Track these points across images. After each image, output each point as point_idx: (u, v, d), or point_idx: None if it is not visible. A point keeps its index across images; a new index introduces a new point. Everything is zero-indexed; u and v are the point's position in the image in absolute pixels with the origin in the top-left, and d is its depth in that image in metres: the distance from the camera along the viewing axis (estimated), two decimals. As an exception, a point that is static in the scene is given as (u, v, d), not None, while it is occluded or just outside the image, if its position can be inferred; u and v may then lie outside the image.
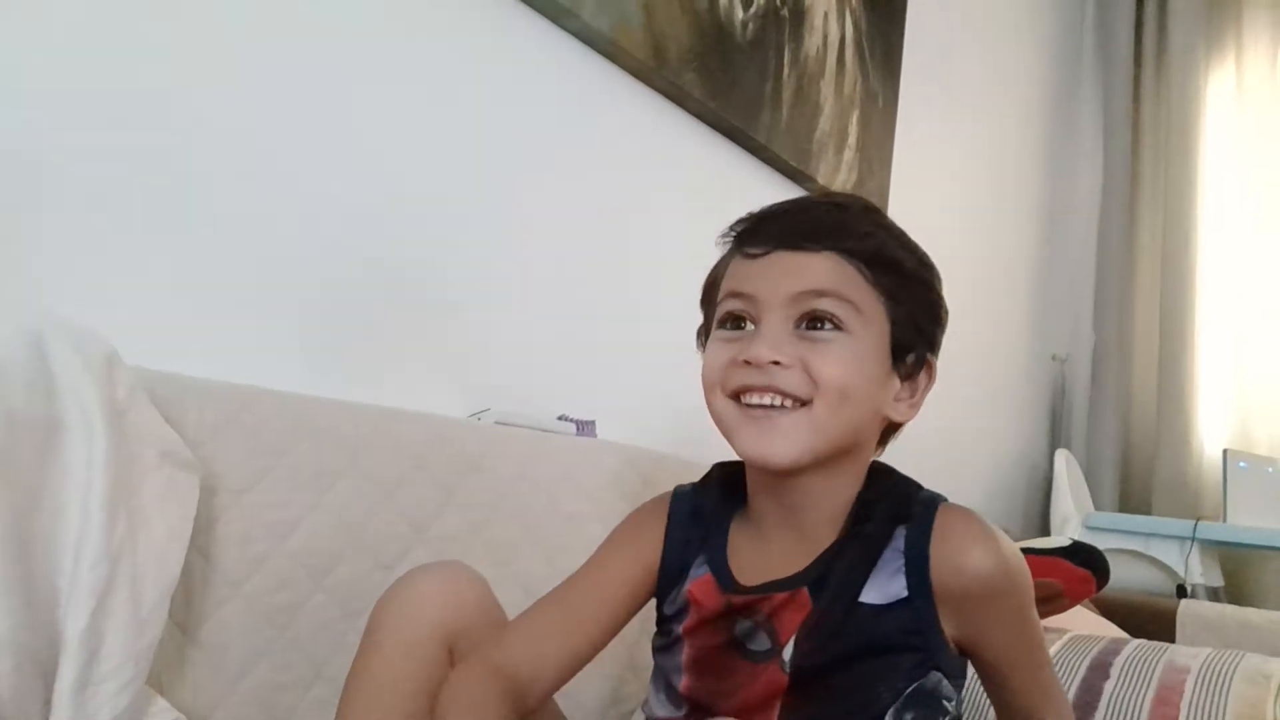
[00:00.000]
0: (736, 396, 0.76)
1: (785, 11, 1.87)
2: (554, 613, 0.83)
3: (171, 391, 0.86)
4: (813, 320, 0.75)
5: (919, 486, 0.81)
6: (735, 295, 0.78)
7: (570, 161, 1.48)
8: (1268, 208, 3.10)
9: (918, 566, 0.75)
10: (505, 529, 1.15)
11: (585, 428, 1.39)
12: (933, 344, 0.81)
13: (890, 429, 0.83)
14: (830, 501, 0.79)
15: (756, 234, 0.79)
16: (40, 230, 0.91)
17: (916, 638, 0.75)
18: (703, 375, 0.79)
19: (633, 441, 1.40)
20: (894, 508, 0.78)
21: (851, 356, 0.74)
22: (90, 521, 0.71)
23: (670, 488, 0.89)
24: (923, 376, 0.81)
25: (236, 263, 1.06)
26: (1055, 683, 0.83)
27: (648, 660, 0.88)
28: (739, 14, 1.74)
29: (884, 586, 0.75)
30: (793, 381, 0.74)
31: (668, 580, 0.85)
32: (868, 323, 0.76)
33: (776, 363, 0.74)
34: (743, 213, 0.83)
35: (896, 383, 0.79)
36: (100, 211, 0.95)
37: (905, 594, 0.75)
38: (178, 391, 0.88)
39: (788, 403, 0.74)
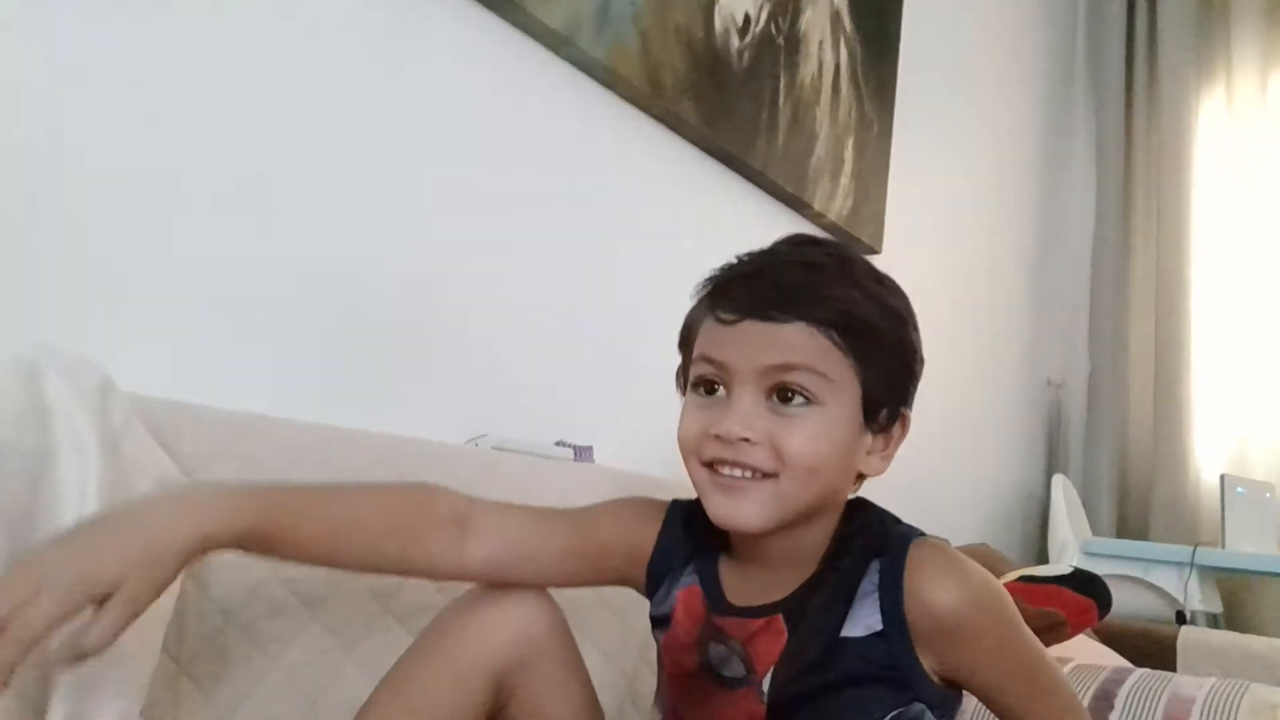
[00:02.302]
0: (709, 464, 0.78)
1: (781, 39, 1.88)
2: (533, 515, 0.87)
3: (166, 419, 0.86)
4: (784, 392, 0.76)
5: (895, 520, 0.83)
6: (708, 360, 0.78)
7: (568, 188, 1.48)
8: (1261, 229, 3.10)
9: (891, 601, 0.76)
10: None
11: (583, 453, 1.38)
12: (906, 397, 0.82)
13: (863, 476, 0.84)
14: (805, 546, 0.81)
15: (728, 297, 0.79)
16: (34, 256, 0.90)
17: (893, 671, 0.76)
18: (679, 438, 0.80)
19: (630, 467, 1.40)
20: (870, 541, 0.79)
21: (821, 430, 0.76)
22: (83, 551, 0.70)
23: None
24: (896, 429, 0.82)
25: (232, 290, 1.06)
26: (1070, 706, 0.82)
27: (648, 690, 0.88)
28: (735, 42, 1.74)
29: (861, 619, 0.77)
30: (759, 457, 0.75)
31: (654, 579, 0.88)
32: (839, 391, 0.76)
33: (746, 439, 0.75)
34: (739, 241, 0.83)
35: (869, 438, 0.80)
36: (95, 238, 0.94)
37: (880, 628, 0.76)
38: (173, 419, 0.87)
39: (755, 475, 0.76)
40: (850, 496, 0.83)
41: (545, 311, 1.44)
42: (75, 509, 0.71)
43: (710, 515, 0.79)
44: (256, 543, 0.72)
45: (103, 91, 0.94)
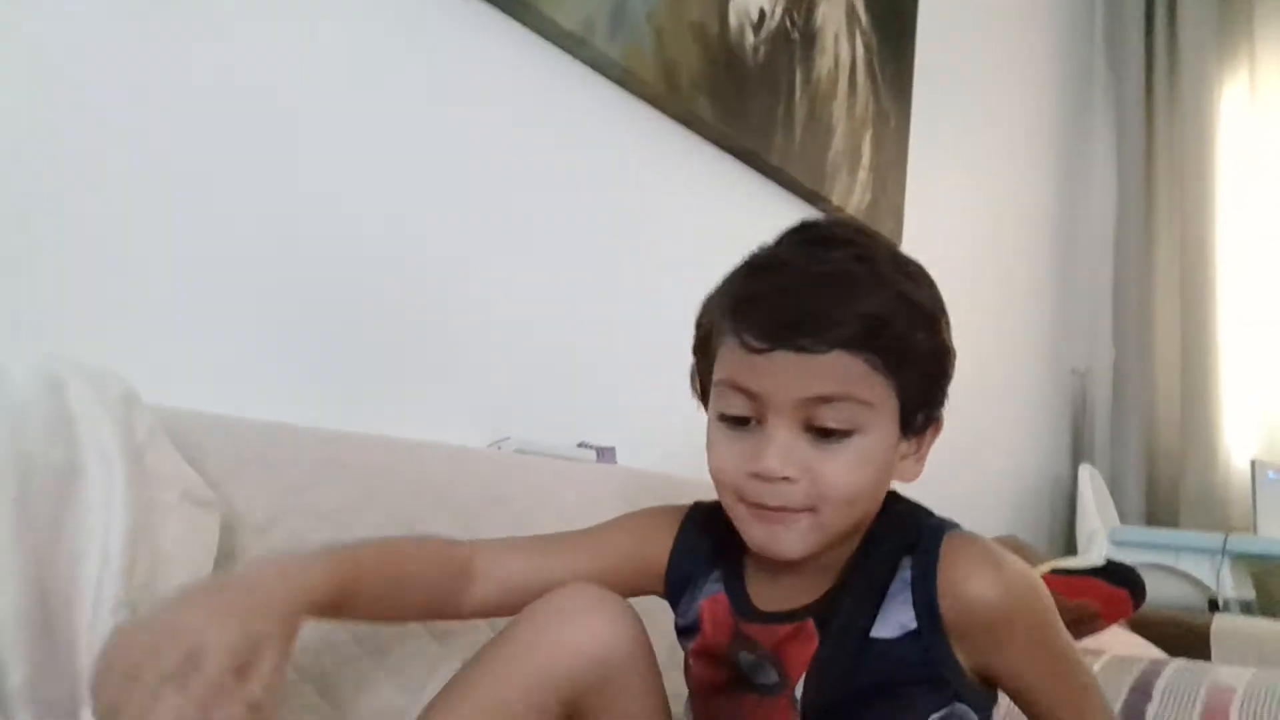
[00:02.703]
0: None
1: (796, 34, 1.87)
2: (537, 546, 0.85)
3: (190, 430, 0.86)
4: (821, 424, 0.72)
5: (927, 513, 0.80)
6: (739, 390, 0.74)
7: (586, 187, 1.47)
8: (1285, 213, 3.08)
9: (925, 597, 0.73)
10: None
11: (606, 454, 1.37)
12: (940, 400, 0.79)
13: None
14: (838, 549, 0.78)
15: (753, 322, 0.73)
16: (56, 269, 0.90)
17: (930, 670, 0.73)
18: (712, 470, 0.77)
19: (654, 468, 1.39)
20: (901, 537, 0.77)
21: (861, 459, 0.73)
22: (110, 564, 0.70)
23: None
24: (929, 431, 0.79)
25: (253, 298, 1.06)
26: (1101, 710, 0.80)
27: (675, 690, 0.87)
28: (750, 38, 1.73)
29: (893, 619, 0.74)
30: (798, 496, 0.72)
31: (674, 589, 0.85)
32: (879, 414, 0.73)
33: (786, 477, 0.72)
34: (759, 238, 0.79)
35: (903, 445, 0.77)
36: (116, 247, 0.94)
37: (914, 626, 0.73)
38: (197, 430, 0.87)
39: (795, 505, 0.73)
40: None
41: (566, 312, 1.43)
42: (102, 522, 0.71)
43: (749, 544, 0.76)
44: (338, 606, 0.70)
45: (117, 95, 0.94)
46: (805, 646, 0.76)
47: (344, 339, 1.15)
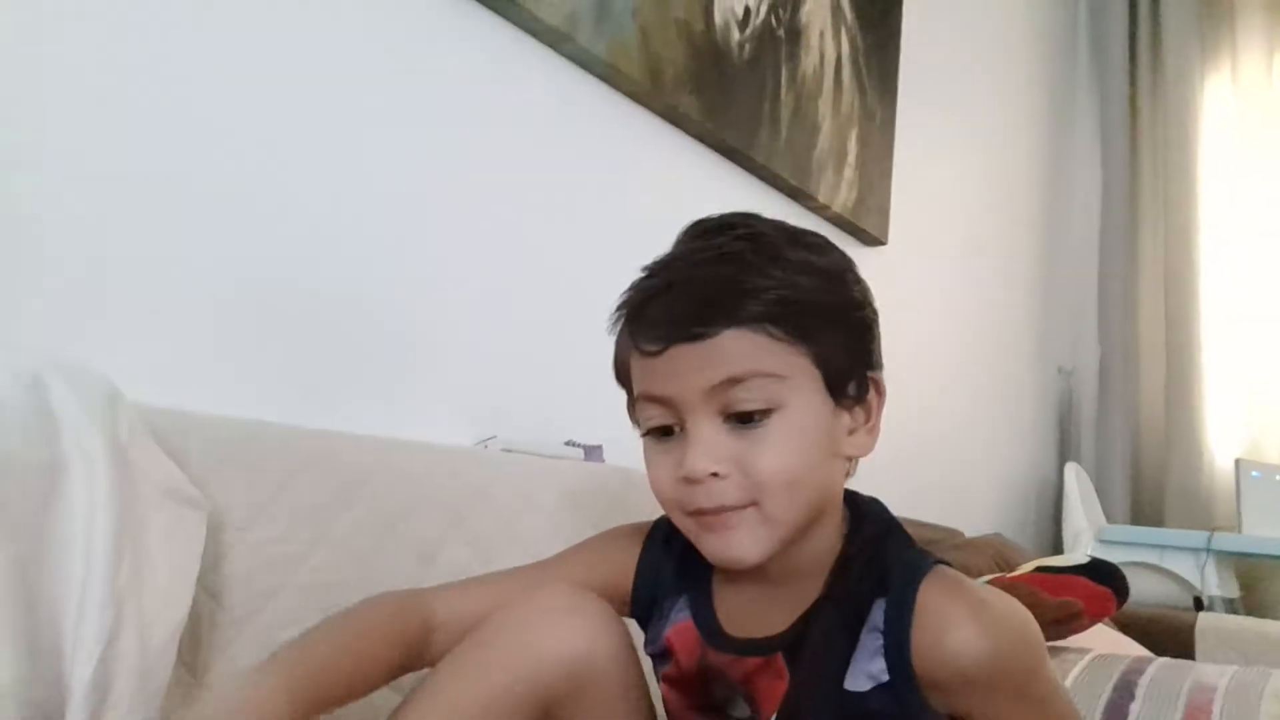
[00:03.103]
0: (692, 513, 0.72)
1: (781, 31, 1.87)
2: (498, 582, 0.81)
3: (174, 428, 0.85)
4: (739, 410, 0.69)
5: (902, 545, 0.75)
6: (650, 400, 0.72)
7: (570, 184, 1.47)
8: (1270, 210, 3.09)
9: (898, 650, 0.68)
10: (513, 558, 1.13)
11: (593, 453, 1.37)
12: (870, 359, 0.74)
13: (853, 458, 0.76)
14: (807, 558, 0.74)
15: (644, 324, 0.72)
16: (36, 268, 0.90)
17: (904, 717, 0.69)
18: (654, 491, 0.74)
19: (641, 466, 1.39)
20: (872, 572, 0.72)
21: (790, 437, 0.69)
22: (94, 564, 0.70)
23: None
24: (872, 396, 0.74)
25: (236, 296, 1.05)
26: None
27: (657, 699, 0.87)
28: (735, 35, 1.74)
29: (864, 668, 0.69)
30: (733, 492, 0.69)
31: (642, 611, 0.82)
32: (796, 386, 0.69)
33: (715, 474, 0.69)
34: None
35: (845, 417, 0.73)
36: (97, 248, 0.94)
37: (886, 679, 0.68)
38: (180, 428, 0.86)
39: (737, 505, 0.70)
40: (846, 486, 0.76)
41: (551, 309, 1.43)
42: (85, 522, 0.70)
43: (708, 558, 0.73)
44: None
45: (99, 103, 0.94)
46: (775, 683, 0.72)
47: (330, 337, 1.14)
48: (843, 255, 0.75)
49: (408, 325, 1.24)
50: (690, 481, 0.70)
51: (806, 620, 0.73)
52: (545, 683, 0.70)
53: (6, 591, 0.66)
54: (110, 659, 0.69)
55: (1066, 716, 0.73)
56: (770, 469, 0.68)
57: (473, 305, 1.32)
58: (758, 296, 0.68)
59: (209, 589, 0.85)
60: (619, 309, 0.76)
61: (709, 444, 0.69)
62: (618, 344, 0.78)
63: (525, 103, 1.39)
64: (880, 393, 0.75)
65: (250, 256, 1.07)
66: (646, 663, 0.81)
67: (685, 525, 0.73)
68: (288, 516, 0.92)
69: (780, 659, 0.72)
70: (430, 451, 1.10)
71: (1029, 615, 0.71)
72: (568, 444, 1.35)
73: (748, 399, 0.68)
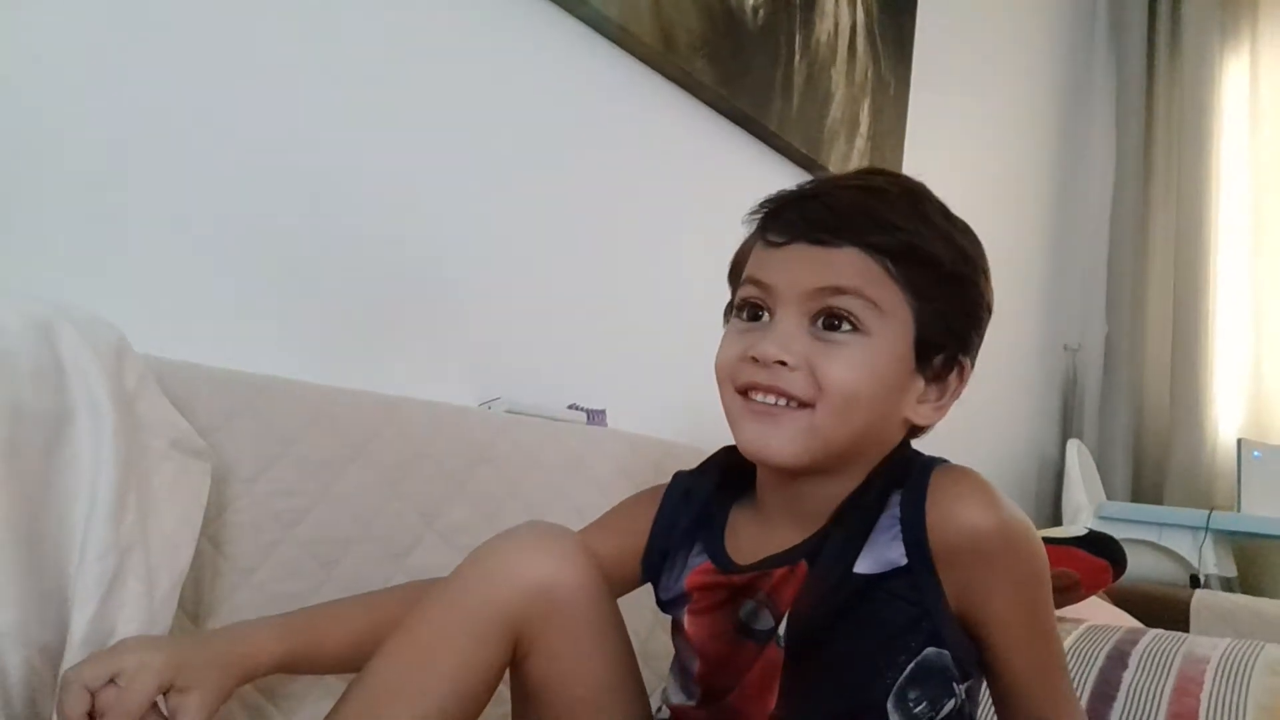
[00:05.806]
0: (744, 391, 0.74)
1: (796, -3, 1.85)
2: None
3: (182, 380, 0.86)
4: (829, 318, 0.72)
5: (921, 455, 0.78)
6: (753, 283, 0.76)
7: (581, 148, 1.47)
8: (1282, 195, 3.07)
9: (914, 530, 0.71)
10: (515, 519, 1.13)
11: (596, 417, 1.38)
12: (966, 345, 0.78)
13: (916, 429, 0.79)
14: (837, 495, 0.76)
15: (778, 220, 0.76)
16: (47, 218, 0.90)
17: (916, 607, 0.71)
18: (716, 364, 0.77)
19: (644, 431, 1.40)
20: (892, 475, 0.75)
21: (864, 360, 0.72)
22: (99, 510, 0.70)
23: None
24: (953, 379, 0.77)
25: (245, 251, 1.06)
26: (1070, 694, 0.78)
27: (662, 650, 0.88)
28: (749, 0, 1.72)
29: (880, 554, 0.72)
30: (797, 384, 0.72)
31: (651, 564, 0.85)
32: (889, 323, 0.72)
33: (783, 362, 0.71)
34: (754, 201, 0.80)
35: (920, 384, 0.76)
36: (108, 199, 0.94)
37: (903, 562, 0.71)
38: (188, 380, 0.87)
39: (791, 403, 0.72)
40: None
41: (559, 273, 1.43)
42: (91, 469, 0.71)
43: (740, 446, 0.76)
44: (293, 665, 0.76)
45: (112, 53, 0.94)
46: (795, 586, 0.74)
47: (338, 295, 1.15)
48: (983, 254, 0.80)
49: (416, 286, 1.24)
50: (757, 363, 0.73)
51: (830, 524, 0.75)
52: (513, 605, 0.73)
53: (12, 536, 0.67)
54: (113, 604, 0.70)
55: (1064, 669, 0.77)
56: (836, 377, 0.71)
57: (480, 267, 1.32)
58: (891, 232, 0.73)
59: (213, 539, 0.86)
60: (758, 207, 0.80)
61: (789, 336, 0.72)
62: (743, 244, 0.81)
63: (535, 65, 1.38)
64: (963, 380, 0.78)
65: (262, 216, 1.06)
66: (638, 611, 0.84)
67: (733, 406, 0.76)
68: (292, 470, 0.93)
69: (804, 565, 0.75)
70: (435, 411, 1.11)
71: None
72: (571, 408, 1.36)
73: (842, 308, 0.72)
